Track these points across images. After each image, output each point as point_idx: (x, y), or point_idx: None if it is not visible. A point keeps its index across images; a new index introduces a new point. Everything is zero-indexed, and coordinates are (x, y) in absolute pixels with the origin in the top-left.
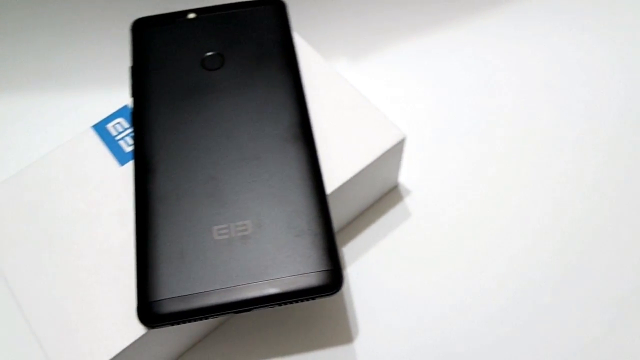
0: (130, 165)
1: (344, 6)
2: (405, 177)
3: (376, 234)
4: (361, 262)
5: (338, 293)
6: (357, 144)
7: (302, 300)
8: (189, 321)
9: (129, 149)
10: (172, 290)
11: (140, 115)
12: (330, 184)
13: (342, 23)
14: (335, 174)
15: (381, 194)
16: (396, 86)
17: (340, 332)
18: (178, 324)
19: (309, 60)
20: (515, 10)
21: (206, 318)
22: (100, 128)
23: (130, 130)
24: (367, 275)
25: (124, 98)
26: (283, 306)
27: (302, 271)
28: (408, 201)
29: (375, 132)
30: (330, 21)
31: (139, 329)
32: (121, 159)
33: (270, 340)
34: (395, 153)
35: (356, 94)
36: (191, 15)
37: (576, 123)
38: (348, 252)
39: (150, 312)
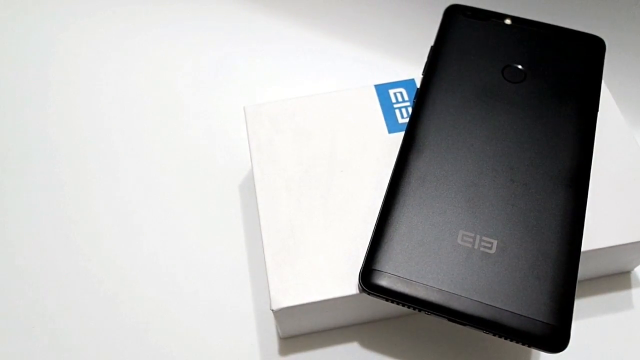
0: (397, 136)
1: None
2: None
3: (589, 309)
4: None
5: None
6: (626, 216)
7: (516, 342)
8: (400, 304)
9: (402, 120)
10: (399, 269)
11: (425, 95)
12: (583, 244)
13: None
14: (590, 235)
15: (612, 272)
16: None
17: None
18: (390, 301)
19: (606, 110)
20: None
21: (417, 310)
22: (382, 89)
23: (409, 103)
24: None
25: (413, 72)
26: (492, 336)
27: (531, 315)
28: (635, 292)
29: None
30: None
31: (353, 288)
32: (391, 126)
33: (440, 352)
34: None
35: None
36: (507, 21)
37: None
38: None
39: (372, 278)
